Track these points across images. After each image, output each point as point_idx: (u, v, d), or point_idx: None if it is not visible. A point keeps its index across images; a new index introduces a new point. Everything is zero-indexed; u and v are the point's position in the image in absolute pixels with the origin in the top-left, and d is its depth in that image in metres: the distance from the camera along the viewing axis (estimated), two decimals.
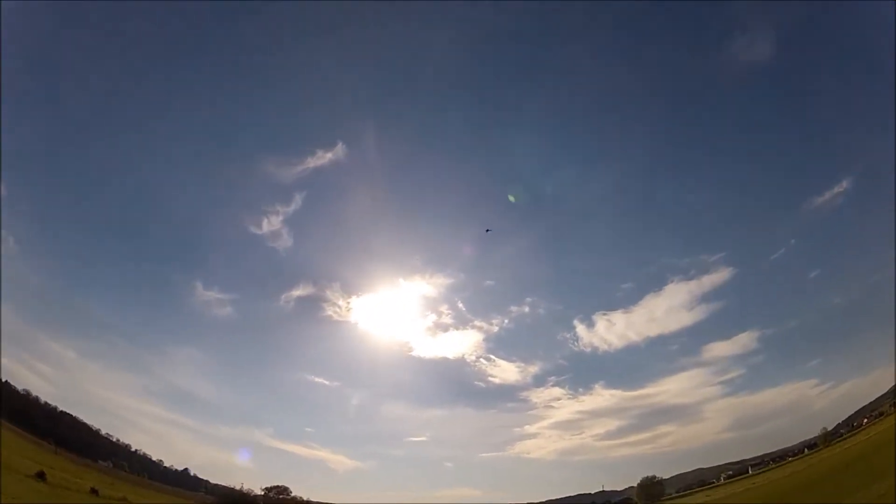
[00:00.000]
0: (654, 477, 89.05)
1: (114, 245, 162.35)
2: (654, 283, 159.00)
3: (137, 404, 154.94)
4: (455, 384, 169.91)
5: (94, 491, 37.69)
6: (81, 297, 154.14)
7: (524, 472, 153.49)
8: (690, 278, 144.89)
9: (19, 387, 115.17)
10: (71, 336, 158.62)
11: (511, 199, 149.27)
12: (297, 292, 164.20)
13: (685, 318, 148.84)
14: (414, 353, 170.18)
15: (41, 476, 34.75)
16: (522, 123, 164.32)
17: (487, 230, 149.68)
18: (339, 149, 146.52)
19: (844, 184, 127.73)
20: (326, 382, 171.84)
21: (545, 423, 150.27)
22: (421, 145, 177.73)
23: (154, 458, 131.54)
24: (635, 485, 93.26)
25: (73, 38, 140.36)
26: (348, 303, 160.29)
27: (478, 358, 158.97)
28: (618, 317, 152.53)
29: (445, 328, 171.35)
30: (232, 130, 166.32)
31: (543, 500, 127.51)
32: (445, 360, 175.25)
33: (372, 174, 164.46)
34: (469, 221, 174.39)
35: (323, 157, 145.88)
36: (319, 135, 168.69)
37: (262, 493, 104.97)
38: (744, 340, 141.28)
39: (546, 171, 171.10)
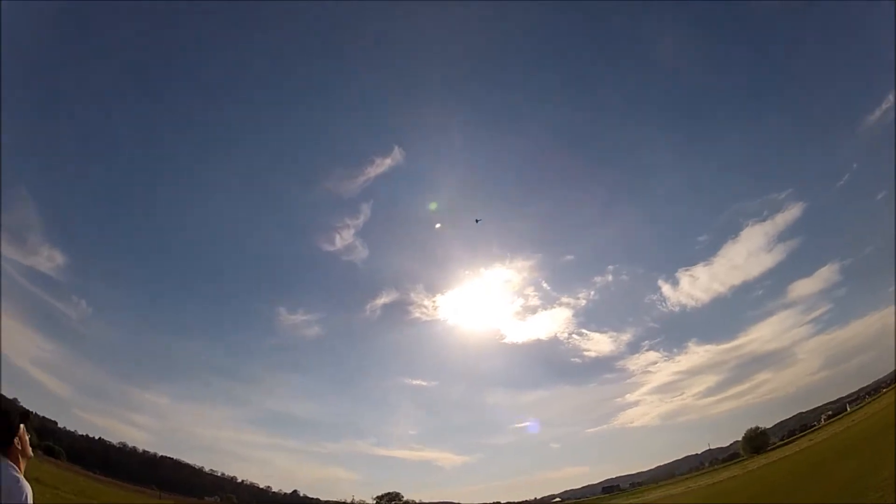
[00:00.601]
0: (756, 428, 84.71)
1: (191, 286, 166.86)
2: (730, 230, 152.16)
3: (238, 436, 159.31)
4: (551, 364, 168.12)
5: None
6: (167, 345, 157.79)
7: (629, 442, 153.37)
8: (764, 219, 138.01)
9: (114, 440, 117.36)
10: (163, 383, 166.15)
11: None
12: (382, 300, 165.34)
13: (766, 261, 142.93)
14: (506, 340, 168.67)
15: None
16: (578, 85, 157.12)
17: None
18: (397, 152, 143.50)
19: (891, 97, 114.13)
20: (424, 383, 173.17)
21: (644, 389, 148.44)
22: (474, 132, 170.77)
23: (262, 486, 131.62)
24: (740, 439, 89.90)
25: (135, 79, 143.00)
26: (434, 302, 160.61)
27: (570, 334, 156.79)
28: (699, 270, 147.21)
29: (534, 310, 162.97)
30: (287, 154, 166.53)
31: (652, 467, 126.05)
32: (539, 341, 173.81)
33: (432, 171, 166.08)
34: (534, 199, 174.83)
35: (382, 164, 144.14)
36: (373, 143, 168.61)
37: (375, 501, 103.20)
38: (825, 274, 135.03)
39: (606, 132, 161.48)
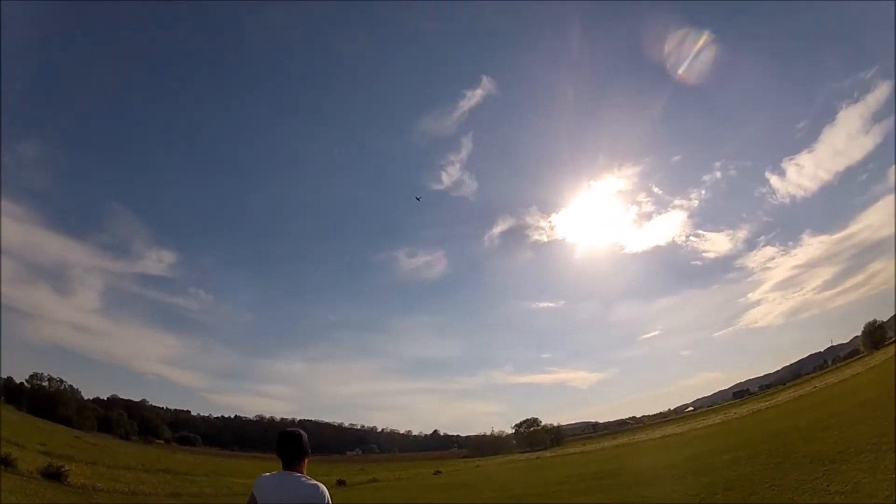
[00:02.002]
0: (874, 322, 79.07)
1: (306, 251, 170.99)
2: (826, 115, 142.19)
3: (376, 387, 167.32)
4: (673, 269, 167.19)
5: (340, 482, 36.07)
6: (293, 313, 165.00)
7: (756, 343, 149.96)
8: (856, 100, 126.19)
9: (251, 415, 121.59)
10: (295, 350, 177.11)
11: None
12: (499, 228, 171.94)
13: (866, 143, 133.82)
14: (626, 251, 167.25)
15: None
16: None
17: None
18: (486, 82, 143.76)
19: None
20: (552, 305, 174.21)
21: (766, 286, 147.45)
22: (557, 46, 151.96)
23: (402, 431, 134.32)
24: (859, 333, 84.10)
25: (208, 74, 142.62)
26: (550, 222, 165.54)
27: (687, 237, 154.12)
28: (804, 158, 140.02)
29: (649, 216, 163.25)
30: (378, 105, 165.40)
31: (778, 368, 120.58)
32: (657, 248, 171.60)
33: (526, 93, 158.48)
34: (637, 103, 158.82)
35: (473, 96, 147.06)
36: (460, 77, 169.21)
37: (514, 430, 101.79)
38: None
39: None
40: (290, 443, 3.28)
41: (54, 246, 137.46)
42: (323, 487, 3.14)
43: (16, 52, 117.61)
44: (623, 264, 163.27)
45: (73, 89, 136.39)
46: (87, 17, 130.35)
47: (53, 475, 22.08)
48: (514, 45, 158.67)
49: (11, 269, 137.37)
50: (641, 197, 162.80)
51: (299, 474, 3.21)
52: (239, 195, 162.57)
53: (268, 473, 3.29)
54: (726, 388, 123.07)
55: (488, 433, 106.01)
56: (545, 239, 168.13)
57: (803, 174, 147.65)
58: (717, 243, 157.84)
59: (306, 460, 3.33)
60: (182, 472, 38.35)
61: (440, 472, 48.94)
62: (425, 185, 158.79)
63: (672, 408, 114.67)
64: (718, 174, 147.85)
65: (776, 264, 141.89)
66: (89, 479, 24.50)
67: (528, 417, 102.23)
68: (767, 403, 54.14)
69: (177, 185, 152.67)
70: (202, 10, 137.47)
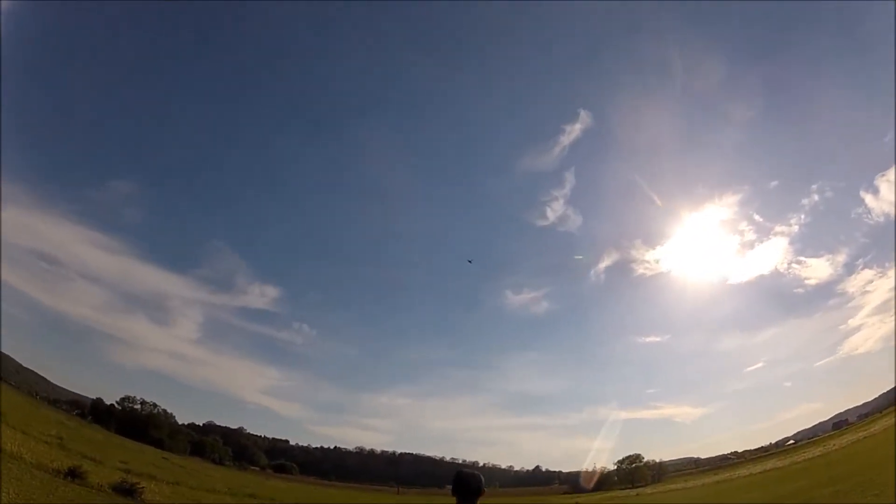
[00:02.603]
0: None
1: (411, 288, 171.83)
2: None
3: (480, 421, 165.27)
4: (776, 299, 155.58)
5: None
6: (398, 348, 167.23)
7: (855, 370, 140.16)
8: None
9: (351, 447, 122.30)
10: (399, 385, 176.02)
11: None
12: (604, 263, 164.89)
13: None
14: (730, 282, 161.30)
15: None
16: None
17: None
18: (584, 116, 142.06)
19: None
20: (657, 339, 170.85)
21: (865, 311, 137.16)
22: (651, 80, 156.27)
23: (503, 466, 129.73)
24: None
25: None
26: (654, 255, 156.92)
27: (789, 264, 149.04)
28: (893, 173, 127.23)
29: (751, 245, 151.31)
30: (480, 143, 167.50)
31: (876, 395, 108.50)
32: (761, 277, 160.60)
33: (623, 125, 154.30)
34: (731, 130, 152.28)
35: (573, 131, 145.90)
36: (558, 112, 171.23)
37: (616, 466, 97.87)
38: None
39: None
40: (469, 483, 3.77)
41: (152, 278, 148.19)
42: None
43: (106, 90, 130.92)
44: (727, 295, 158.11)
45: (166, 127, 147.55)
46: (181, 56, 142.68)
47: (126, 491, 20.49)
48: (609, 79, 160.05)
49: (103, 297, 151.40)
50: (743, 225, 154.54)
51: None
52: (343, 231, 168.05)
53: None
54: (826, 419, 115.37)
55: (590, 469, 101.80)
56: (650, 272, 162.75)
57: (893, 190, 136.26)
58: (818, 269, 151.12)
59: (479, 499, 3.74)
60: (269, 497, 36.71)
61: None
62: (530, 221, 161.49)
63: (773, 441, 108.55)
64: (816, 197, 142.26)
65: (874, 287, 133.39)
66: (166, 498, 22.75)
67: (631, 453, 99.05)
68: (865, 433, 53.45)
69: (277, 221, 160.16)
70: (296, 44, 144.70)
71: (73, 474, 19.83)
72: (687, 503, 28.51)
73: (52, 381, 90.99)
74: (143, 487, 21.52)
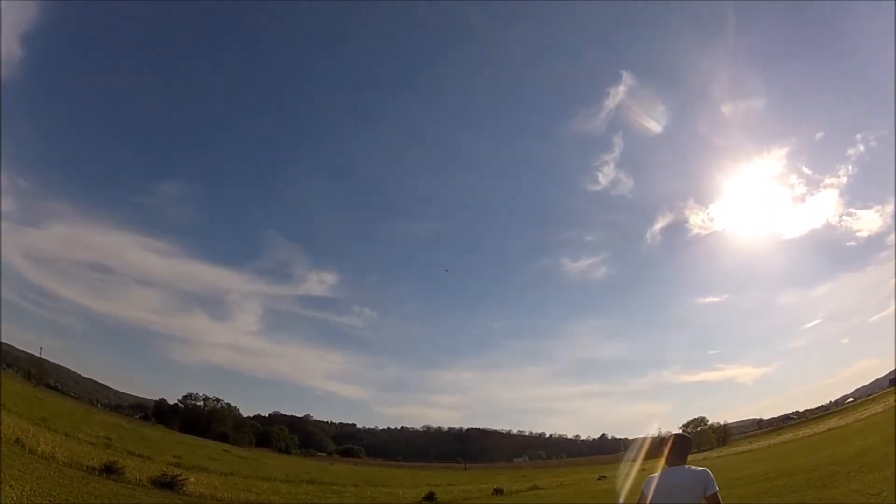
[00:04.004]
0: None
1: (468, 261, 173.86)
2: None
3: (545, 391, 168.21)
4: (829, 252, 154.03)
5: (497, 491, 33.71)
6: (460, 323, 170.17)
7: None
8: None
9: (418, 426, 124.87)
10: (463, 359, 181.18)
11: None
12: (659, 225, 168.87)
13: None
14: (784, 237, 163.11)
15: (429, 498, 26.60)
16: None
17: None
18: (627, 77, 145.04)
19: None
20: (716, 299, 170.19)
21: None
22: (695, 35, 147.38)
23: (570, 437, 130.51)
24: None
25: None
26: (708, 214, 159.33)
27: (840, 217, 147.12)
28: None
29: (802, 198, 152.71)
30: (529, 110, 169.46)
31: None
32: (813, 231, 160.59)
33: (666, 85, 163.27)
34: (769, 82, 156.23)
35: (617, 93, 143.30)
36: (600, 76, 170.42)
37: (681, 430, 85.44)
38: None
39: None
40: (684, 444, 4.24)
41: (207, 275, 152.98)
42: (709, 471, 3.99)
43: (146, 94, 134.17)
44: (781, 251, 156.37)
45: (210, 127, 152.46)
46: (224, 50, 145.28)
47: (166, 484, 19.72)
48: (650, 38, 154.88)
49: (160, 299, 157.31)
50: (793, 179, 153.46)
51: (688, 466, 4.11)
52: (396, 211, 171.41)
53: (656, 473, 4.17)
54: (883, 375, 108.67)
55: (656, 434, 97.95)
56: (705, 232, 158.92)
57: None
58: (869, 221, 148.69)
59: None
60: (328, 482, 36.38)
61: (604, 476, 45.42)
62: (583, 186, 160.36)
63: (833, 399, 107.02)
64: (861, 147, 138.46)
65: None
66: (213, 489, 22.04)
67: (696, 417, 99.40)
68: None
69: (329, 208, 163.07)
70: (345, 34, 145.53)
71: (110, 470, 19.26)
72: (755, 466, 26.54)
73: (113, 387, 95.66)
74: (184, 479, 20.85)
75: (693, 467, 4.02)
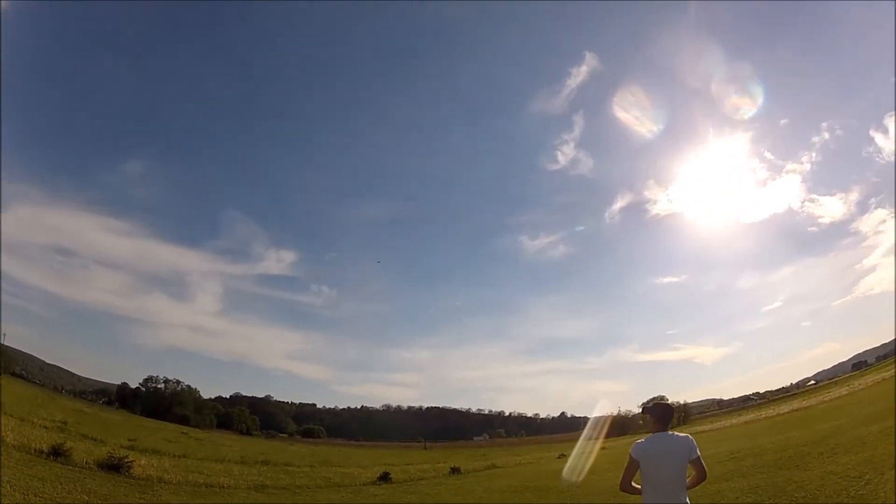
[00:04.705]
0: None
1: (426, 239, 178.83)
2: None
3: (504, 369, 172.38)
4: (791, 237, 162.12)
5: (454, 470, 33.33)
6: (419, 302, 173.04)
7: (871, 311, 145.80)
8: None
9: (378, 405, 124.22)
10: (422, 337, 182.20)
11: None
12: (618, 204, 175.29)
13: None
14: (745, 221, 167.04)
15: (383, 478, 26.89)
16: None
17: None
18: (590, 58, 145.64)
19: None
20: (675, 279, 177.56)
21: (879, 251, 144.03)
22: (656, 16, 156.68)
23: (529, 415, 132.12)
24: None
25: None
26: (668, 194, 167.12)
27: (802, 202, 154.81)
28: None
29: (763, 183, 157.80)
30: (489, 88, 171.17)
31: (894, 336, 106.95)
32: (775, 216, 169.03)
33: (630, 64, 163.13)
34: (739, 66, 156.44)
35: (580, 73, 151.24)
36: (563, 55, 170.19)
37: (640, 409, 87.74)
38: None
39: None
40: (667, 412, 4.66)
41: (168, 255, 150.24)
42: (691, 437, 4.40)
43: (110, 72, 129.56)
44: (742, 234, 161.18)
45: (171, 104, 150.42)
46: (186, 27, 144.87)
47: (113, 467, 20.09)
48: (615, 19, 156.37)
49: (121, 280, 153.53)
50: (755, 163, 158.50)
51: (672, 432, 4.51)
52: (356, 189, 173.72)
53: (642, 439, 4.56)
54: (845, 359, 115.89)
55: (614, 413, 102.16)
56: (664, 213, 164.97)
57: None
58: (831, 207, 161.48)
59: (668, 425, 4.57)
60: (283, 463, 36.53)
61: (564, 455, 43.91)
62: (542, 165, 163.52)
63: (793, 382, 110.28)
64: (826, 135, 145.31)
65: (887, 227, 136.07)
66: (157, 472, 22.52)
67: (655, 396, 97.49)
68: (887, 374, 50.71)
69: (290, 185, 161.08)
70: (306, 12, 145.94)
71: (57, 453, 19.65)
72: (720, 445, 27.52)
73: (78, 373, 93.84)
74: (131, 462, 21.30)
75: (676, 433, 4.41)
